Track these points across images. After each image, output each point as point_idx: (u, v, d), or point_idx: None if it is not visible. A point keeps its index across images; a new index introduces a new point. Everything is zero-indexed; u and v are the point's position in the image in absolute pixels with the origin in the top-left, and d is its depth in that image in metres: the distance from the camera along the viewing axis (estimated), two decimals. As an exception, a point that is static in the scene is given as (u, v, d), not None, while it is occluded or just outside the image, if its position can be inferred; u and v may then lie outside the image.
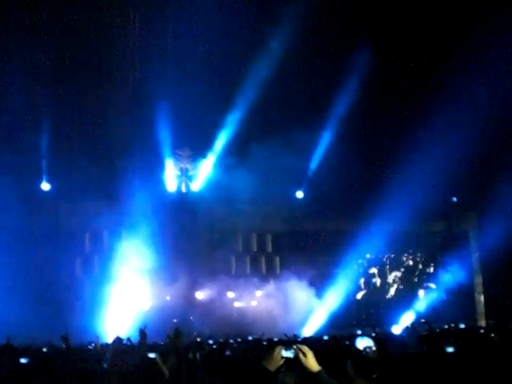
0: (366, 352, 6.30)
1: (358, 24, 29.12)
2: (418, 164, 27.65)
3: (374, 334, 16.72)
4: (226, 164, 30.43)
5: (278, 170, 29.31)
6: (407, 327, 14.83)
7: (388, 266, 34.97)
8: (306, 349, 4.77)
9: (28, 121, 27.63)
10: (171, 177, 31.74)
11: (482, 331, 17.19)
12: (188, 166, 31.92)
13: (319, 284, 30.60)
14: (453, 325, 22.62)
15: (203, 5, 28.01)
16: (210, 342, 17.42)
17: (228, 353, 11.99)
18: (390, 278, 35.00)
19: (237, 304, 30.40)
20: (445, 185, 29.95)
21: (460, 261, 32.84)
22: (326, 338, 18.51)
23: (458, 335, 13.16)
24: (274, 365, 4.76)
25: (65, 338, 11.20)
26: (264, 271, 32.70)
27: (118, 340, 9.78)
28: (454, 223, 35.16)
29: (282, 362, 4.79)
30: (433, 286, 34.63)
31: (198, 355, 10.02)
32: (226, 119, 30.28)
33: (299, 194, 33.19)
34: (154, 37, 28.37)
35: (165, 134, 30.02)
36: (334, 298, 30.20)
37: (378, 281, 34.80)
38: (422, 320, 18.57)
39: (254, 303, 30.66)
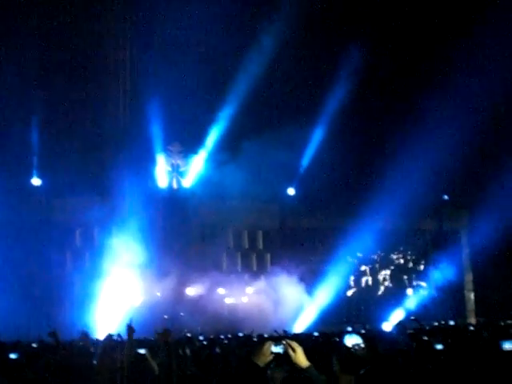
0: (355, 349, 6.31)
1: (350, 21, 29.13)
2: (409, 162, 27.70)
3: (363, 331, 16.76)
4: (218, 160, 30.39)
5: (270, 167, 29.33)
6: (397, 324, 14.86)
7: (378, 264, 35.05)
8: (295, 344, 4.76)
9: (18, 116, 27.50)
10: (162, 173, 31.64)
11: (471, 328, 17.23)
12: (179, 162, 31.83)
13: (310, 281, 30.63)
14: (443, 322, 22.71)
15: (196, 0, 27.96)
16: (201, 338, 17.39)
17: (217, 350, 11.99)
18: (381, 275, 35.08)
19: (227, 300, 30.38)
20: (436, 183, 30.04)
21: (450, 258, 32.96)
22: (316, 334, 18.53)
23: (448, 332, 13.20)
24: (263, 360, 4.75)
25: (53, 334, 11.16)
26: (255, 268, 32.73)
27: (109, 337, 9.75)
28: (445, 221, 35.29)
29: (271, 357, 4.78)
30: (423, 283, 34.73)
31: (188, 351, 10.03)
32: (218, 115, 30.23)
33: (290, 191, 33.20)
34: (145, 32, 28.29)
35: (156, 130, 29.93)
36: (324, 294, 30.22)
37: (368, 278, 34.87)
38: (412, 317, 18.59)
39: (244, 299, 30.66)
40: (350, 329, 19.67)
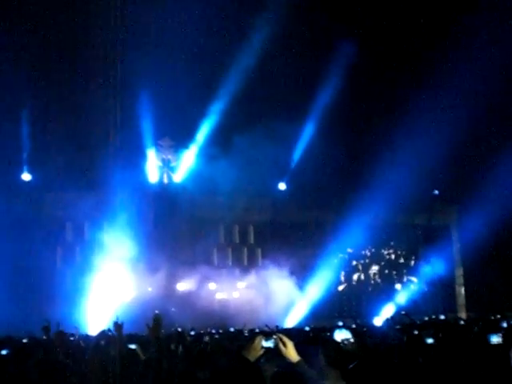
0: (344, 344, 6.32)
1: (342, 15, 29.10)
2: (400, 157, 27.75)
3: (354, 326, 16.80)
4: (209, 155, 30.36)
5: (261, 162, 29.31)
6: (388, 319, 14.93)
7: (369, 259, 35.13)
8: (286, 339, 4.77)
9: (8, 112, 27.37)
10: (153, 168, 31.60)
11: (461, 323, 17.31)
12: (170, 156, 31.79)
13: (301, 276, 30.67)
14: (433, 317, 22.81)
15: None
16: (192, 333, 17.40)
17: (208, 345, 11.99)
18: (372, 270, 35.17)
19: (218, 295, 30.41)
20: (426, 178, 30.11)
21: (441, 253, 33.06)
22: (307, 329, 18.59)
23: (438, 327, 13.24)
24: (253, 355, 4.76)
25: (46, 329, 11.13)
26: (246, 262, 32.76)
27: (103, 333, 9.74)
28: (435, 216, 35.37)
29: (262, 352, 4.79)
30: (414, 278, 34.85)
31: (180, 347, 10.03)
32: (209, 110, 30.19)
33: (282, 186, 33.20)
34: (135, 26, 28.15)
35: (147, 125, 29.89)
36: (315, 289, 30.29)
37: (359, 273, 34.95)
38: (403, 312, 18.69)
39: (235, 294, 30.68)
40: (340, 323, 19.75)
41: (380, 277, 35.22)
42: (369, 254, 35.04)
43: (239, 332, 18.12)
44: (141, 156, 31.11)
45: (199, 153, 31.44)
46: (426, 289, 33.65)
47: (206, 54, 28.96)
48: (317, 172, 29.70)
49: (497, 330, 7.23)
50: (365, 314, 28.50)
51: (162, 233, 29.30)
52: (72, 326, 18.62)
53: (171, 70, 27.91)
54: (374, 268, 35.18)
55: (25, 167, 29.37)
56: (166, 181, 31.77)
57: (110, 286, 26.49)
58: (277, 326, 20.54)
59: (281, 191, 33.24)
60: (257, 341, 4.78)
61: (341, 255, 33.34)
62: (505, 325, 13.62)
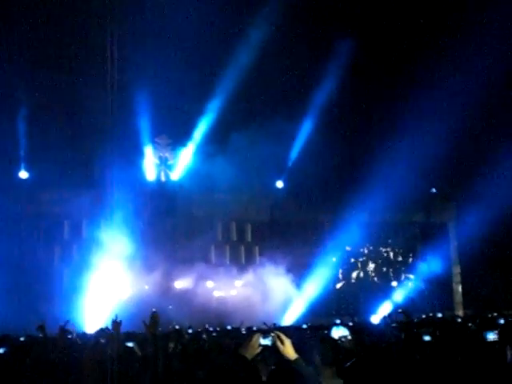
0: (342, 341, 6.33)
1: (340, 12, 29.08)
2: (397, 155, 27.75)
3: (351, 324, 16.81)
4: (206, 153, 30.35)
5: (258, 160, 29.32)
6: (385, 317, 14.94)
7: (367, 257, 35.16)
8: (283, 337, 4.77)
9: (5, 110, 27.33)
10: (150, 165, 31.58)
11: (459, 320, 17.32)
12: (167, 154, 31.78)
13: (298, 273, 30.66)
14: (431, 314, 22.82)
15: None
16: (190, 331, 17.39)
17: (206, 343, 11.99)
18: (369, 268, 35.19)
19: (216, 293, 30.41)
20: (424, 176, 30.15)
21: (438, 251, 33.09)
22: (304, 326, 18.60)
23: (436, 324, 13.26)
24: (251, 353, 4.76)
25: (42, 328, 11.10)
26: (243, 260, 32.77)
27: (102, 331, 9.75)
28: (433, 214, 35.42)
29: (259, 349, 4.79)
30: (411, 276, 34.88)
31: (178, 345, 10.02)
32: (206, 108, 30.19)
33: (279, 184, 33.21)
34: (133, 24, 28.12)
35: (144, 123, 29.86)
36: (313, 287, 30.29)
37: (357, 271, 34.97)
38: (400, 310, 18.66)
39: (233, 292, 30.69)
40: (338, 321, 19.76)
41: (377, 275, 35.25)
42: (366, 251, 35.07)
43: (236, 330, 18.13)
44: (138, 154, 31.09)
45: (196, 151, 31.45)
46: (423, 287, 33.67)
47: (204, 52, 28.92)
48: (314, 170, 29.69)
49: (493, 327, 7.25)
50: (362, 311, 28.52)
51: (160, 231, 29.29)
52: (69, 324, 18.61)
53: (168, 68, 27.88)
54: (372, 266, 35.21)
55: (22, 165, 29.34)
56: (163, 179, 31.76)
57: (108, 284, 26.46)
58: (274, 324, 20.56)
59: (278, 189, 33.27)
60: (254, 339, 4.78)
61: (339, 252, 33.33)
62: (502, 321, 13.64)
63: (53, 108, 28.35)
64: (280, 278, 29.72)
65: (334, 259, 33.23)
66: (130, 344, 8.67)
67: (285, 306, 29.35)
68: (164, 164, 31.79)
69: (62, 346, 8.98)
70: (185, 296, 28.46)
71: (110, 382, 6.85)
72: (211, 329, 19.05)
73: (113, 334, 8.71)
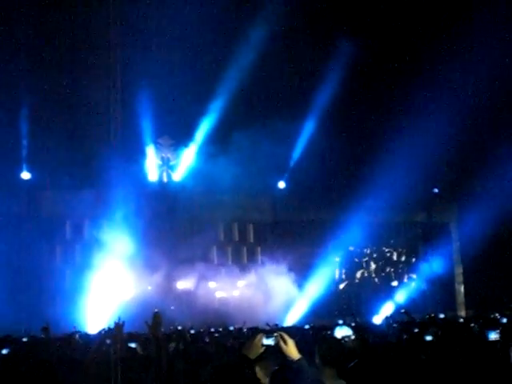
0: (345, 341, 6.33)
1: (342, 12, 29.08)
2: (399, 155, 27.72)
3: (354, 324, 16.80)
4: (208, 153, 30.33)
5: (260, 160, 29.27)
6: (387, 317, 14.95)
7: (369, 257, 35.11)
8: (286, 336, 4.78)
9: (7, 110, 27.36)
10: (152, 166, 31.58)
11: (461, 320, 17.32)
12: (169, 155, 31.76)
13: (301, 274, 30.64)
14: (433, 315, 22.78)
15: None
16: (192, 331, 17.41)
17: (208, 343, 12.00)
18: (372, 268, 35.14)
19: (218, 294, 30.39)
20: (426, 176, 30.11)
21: (440, 251, 33.07)
22: (307, 327, 18.60)
23: (438, 325, 13.26)
24: (254, 353, 4.77)
25: (46, 330, 11.14)
26: (245, 261, 32.70)
27: (106, 331, 9.74)
28: (435, 214, 35.37)
29: (262, 349, 4.80)
30: (413, 276, 34.84)
31: (180, 345, 10.04)
32: (208, 108, 30.16)
33: (281, 184, 33.17)
34: (135, 24, 28.20)
35: (146, 123, 29.86)
36: (315, 288, 30.27)
37: (359, 271, 34.93)
38: (402, 310, 18.68)
39: (235, 293, 30.67)
40: (341, 322, 19.75)
41: (379, 275, 35.20)
42: (368, 252, 35.01)
43: (239, 330, 18.14)
44: (140, 154, 31.09)
45: (199, 151, 31.42)
46: (425, 287, 33.63)
47: (205, 52, 28.96)
48: (316, 170, 29.68)
49: (495, 326, 7.24)
50: (364, 312, 28.48)
51: (162, 231, 29.26)
52: (71, 324, 18.68)
53: (170, 69, 27.90)
54: (374, 266, 35.16)
55: (24, 166, 29.34)
56: (165, 179, 31.75)
57: (110, 285, 26.49)
58: (276, 325, 20.56)
59: (280, 190, 33.21)
60: (257, 338, 4.79)
61: (341, 252, 33.30)
62: (504, 320, 13.63)
63: (55, 109, 28.37)
64: (282, 279, 29.71)
65: (336, 259, 33.24)
66: (133, 345, 8.69)
67: (287, 307, 29.33)
68: (166, 164, 31.78)
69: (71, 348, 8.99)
70: (187, 296, 28.48)
71: (114, 382, 6.85)
72: (213, 329, 19.05)
73: (115, 335, 8.72)
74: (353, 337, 6.39)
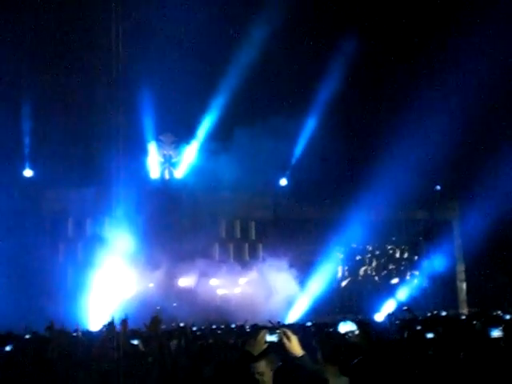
0: (349, 336, 6.32)
1: (344, 9, 29.03)
2: (401, 152, 27.71)
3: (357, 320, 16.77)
4: (210, 151, 30.38)
5: (262, 157, 29.32)
6: (389, 314, 14.91)
7: (371, 255, 35.11)
8: (290, 333, 4.78)
9: (9, 108, 27.35)
10: (154, 163, 31.61)
11: (463, 318, 17.31)
12: (171, 152, 31.80)
13: (302, 271, 30.65)
14: (435, 312, 22.79)
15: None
16: (194, 328, 17.40)
17: (211, 340, 12.00)
18: (373, 266, 35.15)
19: (220, 291, 30.41)
20: (428, 173, 30.08)
21: (442, 249, 33.05)
22: (309, 324, 18.58)
23: (440, 322, 13.24)
24: (257, 349, 4.77)
25: (51, 328, 11.11)
26: (247, 258, 32.74)
27: (110, 325, 9.73)
28: (437, 211, 35.35)
29: (265, 346, 4.80)
30: (415, 273, 34.82)
31: (182, 342, 10.04)
32: (210, 105, 30.17)
33: (283, 182, 33.18)
34: (137, 21, 28.13)
35: (148, 120, 29.89)
36: (317, 285, 30.27)
37: (361, 269, 34.94)
38: (405, 307, 18.65)
39: (237, 290, 30.69)
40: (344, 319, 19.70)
41: (382, 272, 35.20)
42: (370, 249, 35.02)
43: (241, 327, 18.12)
44: (142, 152, 31.13)
45: (200, 148, 31.47)
46: (427, 284, 33.63)
47: (207, 50, 28.91)
48: (318, 168, 29.69)
49: (497, 323, 7.21)
50: (366, 309, 28.47)
51: (164, 229, 29.29)
52: (73, 322, 18.66)
53: (172, 66, 27.89)
54: (376, 264, 35.16)
55: (26, 163, 29.39)
56: (167, 176, 31.80)
57: (112, 282, 26.50)
58: (278, 322, 20.54)
59: (282, 187, 33.24)
60: (261, 335, 4.79)
61: (343, 249, 33.29)
62: (507, 317, 13.59)
63: (57, 107, 28.38)
64: (284, 276, 29.72)
65: (338, 256, 33.24)
66: (135, 342, 8.69)
67: (288, 304, 29.34)
68: (168, 162, 31.82)
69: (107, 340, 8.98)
70: (189, 294, 28.48)
71: (117, 379, 6.87)
72: (214, 326, 19.04)
73: (118, 332, 8.73)
74: (357, 332, 6.39)
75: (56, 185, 28.91)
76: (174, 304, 26.80)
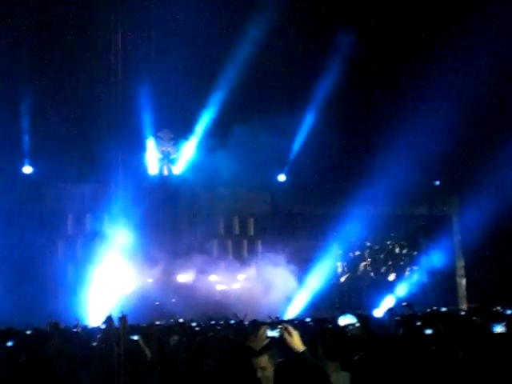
0: (349, 329, 6.32)
1: (342, 5, 28.98)
2: (400, 147, 27.70)
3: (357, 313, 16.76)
4: (208, 147, 30.37)
5: (261, 153, 29.30)
6: (389, 310, 14.91)
7: (370, 250, 35.11)
8: (291, 328, 4.77)
9: (8, 104, 27.33)
10: (153, 160, 31.62)
11: (462, 313, 17.29)
12: (170, 149, 31.80)
13: (301, 267, 30.63)
14: (434, 308, 22.79)
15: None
16: (193, 324, 17.42)
17: (210, 336, 12.00)
18: (372, 261, 35.15)
19: (219, 287, 30.42)
20: (427, 168, 30.06)
21: (442, 244, 33.04)
22: (308, 320, 18.60)
23: (439, 318, 13.23)
24: (259, 344, 4.77)
25: (56, 326, 11.13)
26: (246, 254, 32.74)
27: (110, 320, 9.72)
28: (436, 207, 35.34)
29: (267, 341, 4.80)
30: (415, 269, 34.82)
31: (183, 338, 10.05)
32: (208, 101, 30.15)
33: (281, 177, 33.17)
34: (135, 18, 28.09)
35: (146, 117, 29.89)
36: (316, 281, 30.28)
37: (360, 265, 34.94)
38: (404, 303, 18.67)
39: (235, 286, 30.70)
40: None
41: (380, 268, 35.21)
42: (369, 245, 35.01)
43: (240, 323, 18.14)
44: (141, 148, 31.13)
45: (199, 145, 31.46)
46: (426, 280, 33.62)
47: (205, 45, 28.87)
48: (317, 163, 29.67)
49: (499, 319, 7.18)
50: (365, 305, 28.50)
51: (162, 224, 29.34)
52: (73, 317, 18.69)
53: (170, 63, 27.87)
54: (375, 259, 35.17)
55: (26, 160, 29.38)
56: (165, 173, 31.79)
57: (111, 278, 26.53)
58: (277, 318, 20.57)
59: (281, 183, 33.23)
60: (262, 330, 4.79)
61: (342, 245, 33.28)
62: (509, 312, 13.54)
63: (56, 103, 28.34)
64: (282, 272, 29.71)
65: (337, 252, 33.22)
66: (135, 337, 8.69)
67: (287, 300, 29.36)
68: (166, 158, 31.82)
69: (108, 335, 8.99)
70: (188, 290, 28.49)
71: (117, 374, 6.87)
72: (213, 322, 19.06)
73: (118, 328, 8.73)
74: (357, 324, 6.39)
75: (55, 181, 28.94)
76: (173, 300, 26.87)
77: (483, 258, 31.56)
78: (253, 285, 29.95)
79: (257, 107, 29.95)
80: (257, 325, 8.33)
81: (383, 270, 35.23)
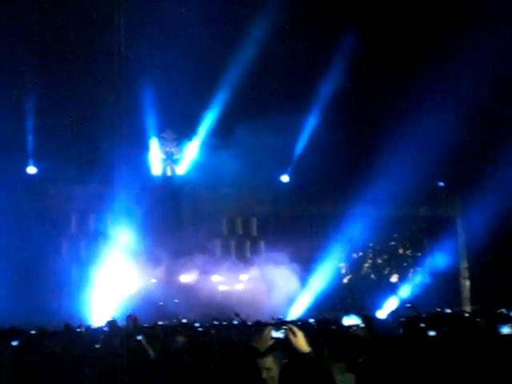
0: (353, 330, 6.30)
1: (345, 5, 28.97)
2: (403, 148, 27.66)
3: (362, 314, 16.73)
4: (211, 147, 30.41)
5: (264, 154, 29.29)
6: (393, 311, 14.89)
7: (373, 251, 35.06)
8: (296, 329, 4.76)
9: (12, 105, 27.38)
10: (156, 160, 31.65)
11: (466, 315, 17.26)
12: (173, 149, 31.86)
13: (304, 268, 30.61)
14: (438, 309, 22.74)
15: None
16: (197, 324, 17.41)
17: (213, 336, 12.01)
18: (375, 262, 35.11)
19: (221, 288, 30.41)
20: (430, 169, 30.01)
21: (445, 246, 32.97)
22: (311, 320, 18.55)
23: (444, 320, 13.21)
24: (263, 345, 4.75)
25: (68, 326, 11.14)
26: (249, 254, 32.76)
27: (113, 322, 9.76)
28: (440, 208, 35.26)
29: (271, 342, 4.78)
30: (418, 270, 34.75)
31: (185, 338, 10.03)
32: (211, 102, 30.19)
33: (285, 178, 33.17)
34: (138, 18, 28.10)
35: (150, 118, 29.94)
36: (319, 281, 30.25)
37: (363, 265, 34.91)
38: (408, 304, 18.64)
39: (238, 287, 30.69)
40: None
41: (383, 269, 35.17)
42: (372, 246, 34.97)
43: (243, 324, 18.11)
44: (144, 149, 31.17)
45: (202, 145, 31.50)
46: (430, 282, 33.54)
47: (208, 46, 28.89)
48: (320, 164, 29.63)
49: (505, 320, 7.15)
50: (368, 306, 28.47)
51: (166, 225, 29.35)
52: (77, 317, 18.71)
53: (173, 63, 27.89)
54: (378, 260, 35.13)
55: (30, 160, 29.45)
56: (169, 173, 31.83)
57: (115, 278, 26.56)
58: (280, 319, 20.54)
59: (284, 183, 33.25)
60: (266, 331, 4.77)
61: (345, 246, 33.24)
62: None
63: (60, 104, 28.41)
64: (285, 273, 29.69)
65: (340, 253, 33.17)
66: (139, 337, 8.70)
67: (290, 300, 29.33)
68: (170, 158, 31.87)
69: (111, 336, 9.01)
70: (191, 290, 28.50)
71: (121, 374, 6.87)
72: (216, 323, 19.05)
73: (122, 328, 8.74)
74: (362, 325, 6.37)
75: (59, 181, 28.98)
76: (176, 300, 26.86)
77: (487, 259, 31.49)
78: (255, 285, 29.94)
79: (260, 108, 30.00)
80: (260, 326, 8.32)
81: (386, 271, 35.19)
